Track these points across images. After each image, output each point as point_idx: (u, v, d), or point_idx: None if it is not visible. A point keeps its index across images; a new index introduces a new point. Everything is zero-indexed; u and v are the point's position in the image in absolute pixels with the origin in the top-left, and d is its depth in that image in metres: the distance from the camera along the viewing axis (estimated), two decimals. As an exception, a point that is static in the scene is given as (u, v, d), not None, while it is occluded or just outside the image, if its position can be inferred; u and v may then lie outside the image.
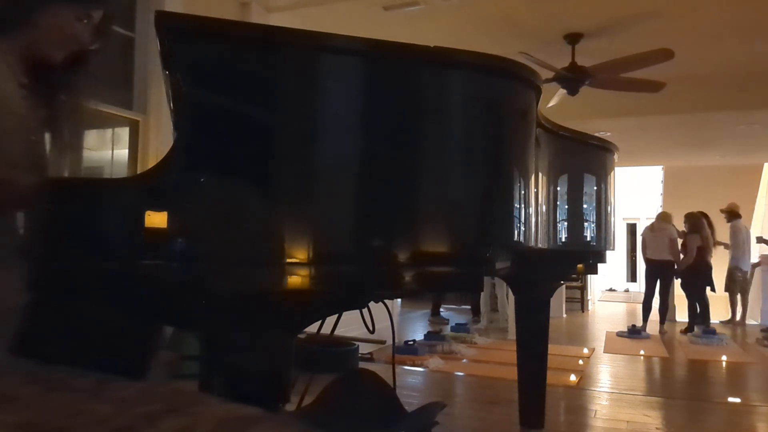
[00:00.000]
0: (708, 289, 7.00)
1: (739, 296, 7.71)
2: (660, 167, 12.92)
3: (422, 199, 1.13)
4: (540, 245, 1.55)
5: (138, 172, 3.34)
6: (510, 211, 1.24)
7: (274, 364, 1.06)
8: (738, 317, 7.57)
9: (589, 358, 5.11)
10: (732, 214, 7.61)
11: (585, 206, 2.25)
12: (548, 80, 4.81)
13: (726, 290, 7.51)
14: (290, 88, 1.06)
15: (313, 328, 1.47)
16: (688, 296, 6.99)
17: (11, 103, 0.99)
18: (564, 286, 7.92)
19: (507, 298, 6.53)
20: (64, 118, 1.12)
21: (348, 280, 1.04)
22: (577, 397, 3.65)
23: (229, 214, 1.00)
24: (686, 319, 6.98)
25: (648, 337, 6.42)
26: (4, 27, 1.02)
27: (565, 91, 5.36)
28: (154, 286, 0.98)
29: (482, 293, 6.92)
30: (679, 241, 6.92)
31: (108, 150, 3.88)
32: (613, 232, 2.50)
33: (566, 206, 2.07)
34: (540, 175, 1.53)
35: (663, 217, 7.19)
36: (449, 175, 1.15)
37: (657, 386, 4.42)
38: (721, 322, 7.21)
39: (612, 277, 13.73)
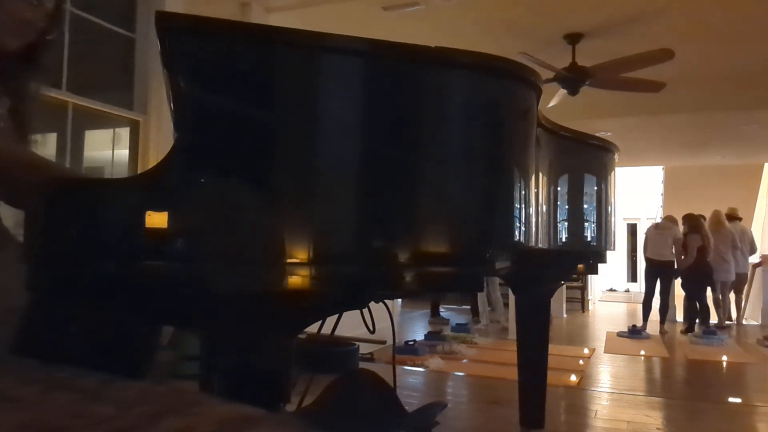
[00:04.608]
0: (709, 289, 7.02)
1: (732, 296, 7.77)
2: (660, 167, 12.94)
3: (422, 199, 1.13)
4: (540, 245, 1.55)
5: (138, 172, 3.34)
6: (510, 211, 1.24)
7: (274, 364, 1.06)
8: (724, 317, 7.59)
9: (589, 358, 5.11)
10: (729, 218, 7.71)
11: (585, 206, 2.25)
12: (549, 80, 4.82)
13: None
14: (290, 88, 1.06)
15: (313, 328, 1.47)
16: (688, 296, 7.00)
17: None
18: (564, 286, 7.93)
19: (507, 297, 6.54)
20: (26, 110, 1.10)
21: (349, 281, 1.04)
22: (578, 397, 3.65)
23: (229, 214, 1.00)
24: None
25: (648, 337, 6.43)
26: None
27: (565, 91, 5.36)
28: (154, 286, 0.98)
29: (480, 293, 6.92)
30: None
31: (108, 150, 3.89)
32: (614, 232, 2.50)
33: (567, 206, 2.07)
34: (540, 175, 1.53)
35: (669, 218, 7.35)
36: (449, 175, 1.15)
37: (657, 386, 4.42)
38: (714, 324, 7.22)
39: (612, 277, 13.75)
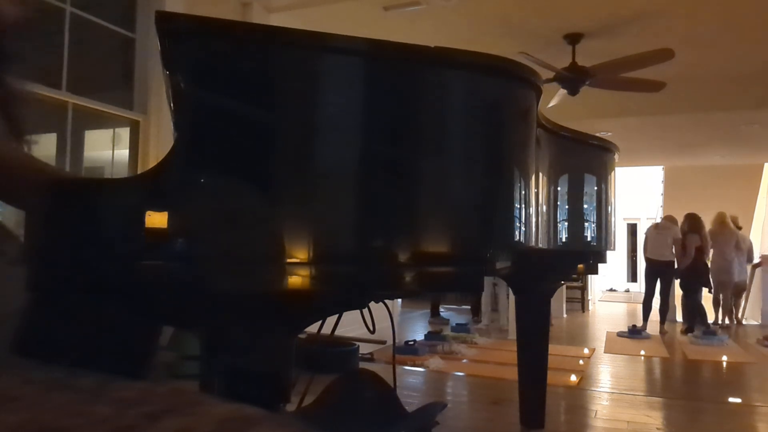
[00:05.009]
0: (707, 290, 7.03)
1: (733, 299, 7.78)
2: (660, 167, 12.93)
3: (422, 199, 1.13)
4: (540, 245, 1.55)
5: (139, 172, 3.34)
6: (510, 211, 1.24)
7: (274, 364, 1.06)
8: (725, 318, 7.60)
9: (589, 358, 5.11)
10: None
11: (585, 206, 2.25)
12: (548, 80, 4.81)
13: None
14: (290, 88, 1.06)
15: (313, 328, 1.47)
16: (685, 296, 7.01)
17: None
18: (564, 286, 7.94)
19: (507, 298, 6.54)
20: (13, 103, 1.08)
21: (349, 280, 1.04)
22: (578, 397, 3.65)
23: (230, 214, 0.99)
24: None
25: (648, 337, 6.43)
26: None
27: (565, 91, 5.36)
28: (154, 286, 0.98)
29: (483, 293, 6.92)
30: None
31: (108, 150, 3.88)
32: (614, 232, 2.50)
33: (567, 206, 2.07)
34: (540, 175, 1.53)
35: (669, 218, 7.37)
36: (450, 175, 1.15)
37: (657, 386, 4.42)
38: (714, 323, 7.22)
39: (612, 277, 13.74)
